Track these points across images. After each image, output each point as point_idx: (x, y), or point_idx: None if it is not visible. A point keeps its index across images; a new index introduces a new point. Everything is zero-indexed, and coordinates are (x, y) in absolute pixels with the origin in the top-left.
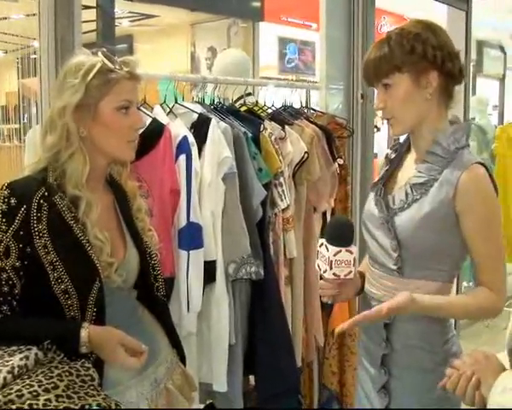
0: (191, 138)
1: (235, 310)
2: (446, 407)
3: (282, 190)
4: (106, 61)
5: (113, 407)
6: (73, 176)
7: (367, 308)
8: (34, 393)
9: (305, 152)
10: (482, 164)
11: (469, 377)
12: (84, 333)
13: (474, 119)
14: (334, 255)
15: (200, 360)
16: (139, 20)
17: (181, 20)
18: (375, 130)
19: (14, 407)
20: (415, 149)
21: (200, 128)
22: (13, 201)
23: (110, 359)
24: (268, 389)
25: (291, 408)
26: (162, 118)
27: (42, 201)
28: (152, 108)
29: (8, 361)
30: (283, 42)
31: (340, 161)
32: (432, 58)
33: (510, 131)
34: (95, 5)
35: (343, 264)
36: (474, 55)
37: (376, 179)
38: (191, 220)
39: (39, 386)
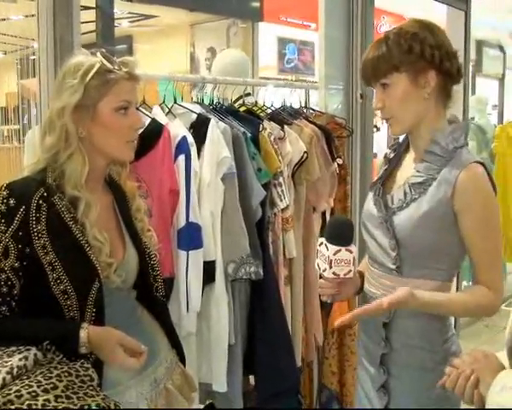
0: (190, 138)
1: (235, 310)
2: (446, 406)
3: (282, 190)
4: (105, 62)
5: (113, 407)
6: (72, 176)
7: None
8: (33, 393)
9: (305, 152)
10: (481, 163)
11: (468, 375)
12: (83, 334)
13: (473, 118)
14: (334, 254)
15: (199, 360)
16: (138, 20)
17: (180, 21)
18: (375, 130)
19: (13, 407)
20: (413, 149)
21: (199, 128)
22: (12, 201)
23: (109, 359)
24: (268, 389)
25: (291, 408)
26: (161, 118)
27: (41, 201)
28: (151, 109)
29: (7, 362)
30: (283, 42)
31: (340, 161)
32: (430, 57)
33: (510, 130)
34: (94, 6)
35: (343, 263)
36: (473, 55)
37: (375, 179)
38: (190, 220)
39: (38, 386)
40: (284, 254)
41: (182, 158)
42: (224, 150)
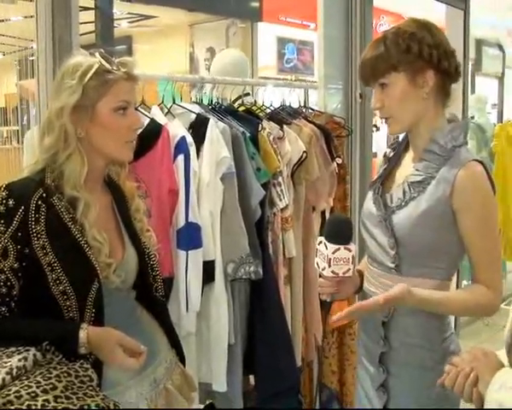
0: (189, 138)
1: (235, 310)
2: (445, 405)
3: (281, 190)
4: (103, 62)
5: (112, 407)
6: (71, 177)
7: None
8: (32, 394)
9: (304, 151)
10: (480, 162)
11: (468, 373)
12: (82, 334)
13: (473, 117)
14: (333, 253)
15: (199, 359)
16: (138, 21)
17: (179, 21)
18: (375, 129)
19: (12, 407)
20: (413, 148)
21: (198, 128)
22: (11, 202)
23: (109, 359)
24: (268, 389)
25: (291, 408)
26: (160, 118)
27: (40, 202)
28: (150, 109)
29: (6, 363)
30: (282, 42)
31: (339, 161)
32: (428, 57)
33: (509, 129)
34: (93, 7)
35: (341, 262)
36: (473, 54)
37: (375, 178)
38: (190, 220)
39: (38, 387)
40: (284, 254)
41: (181, 158)
42: (223, 150)
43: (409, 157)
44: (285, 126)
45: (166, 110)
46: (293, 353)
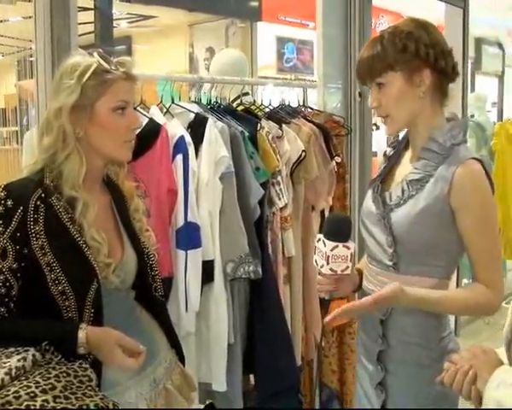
0: (188, 138)
1: (234, 309)
2: (443, 403)
3: (280, 189)
4: (102, 62)
5: (111, 407)
6: (70, 177)
7: None
8: (31, 394)
9: (303, 150)
10: (478, 160)
11: (466, 371)
12: (81, 334)
13: (472, 116)
14: (331, 250)
15: (199, 359)
16: (137, 21)
17: (179, 21)
18: (375, 128)
19: (11, 408)
20: (412, 147)
21: (196, 128)
22: (9, 202)
23: (108, 360)
24: (268, 389)
25: (291, 407)
26: (159, 118)
27: (38, 202)
28: (149, 109)
29: (5, 363)
30: (281, 41)
31: (338, 159)
32: (424, 56)
33: (509, 127)
34: (93, 7)
35: (340, 259)
36: (472, 53)
37: (374, 177)
38: (189, 220)
39: (37, 387)
40: (283, 253)
41: (180, 158)
42: (222, 150)
43: (408, 156)
44: (284, 125)
45: (165, 110)
46: (293, 352)
